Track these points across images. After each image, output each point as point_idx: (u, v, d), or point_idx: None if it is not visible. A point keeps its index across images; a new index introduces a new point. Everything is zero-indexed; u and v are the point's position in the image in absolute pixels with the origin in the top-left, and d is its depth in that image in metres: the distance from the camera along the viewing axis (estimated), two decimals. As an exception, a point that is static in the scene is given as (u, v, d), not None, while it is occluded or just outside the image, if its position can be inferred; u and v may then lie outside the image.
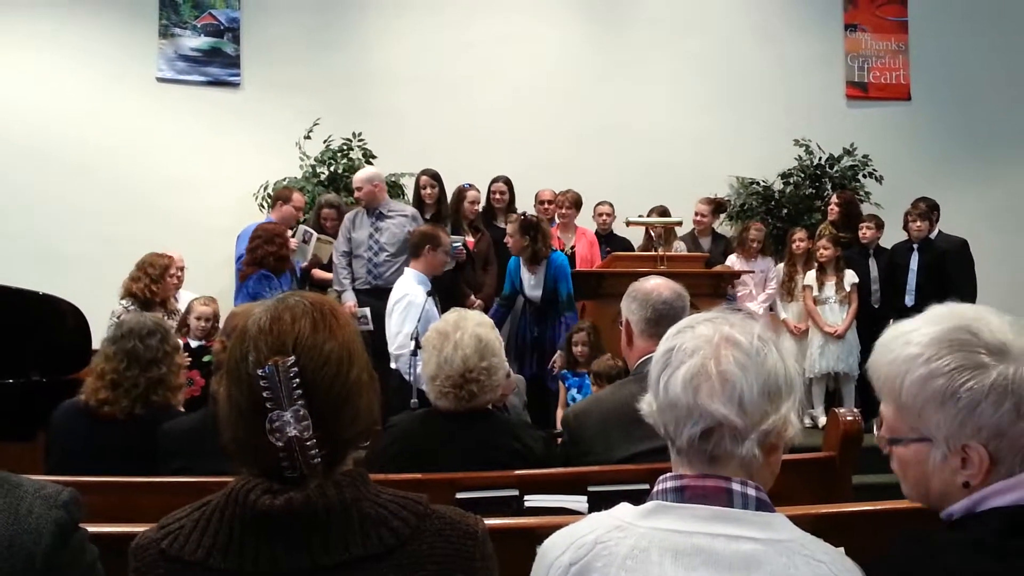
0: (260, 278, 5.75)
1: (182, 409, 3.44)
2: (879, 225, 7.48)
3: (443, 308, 4.61)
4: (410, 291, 5.30)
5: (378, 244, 6.60)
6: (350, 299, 6.44)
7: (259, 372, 1.33)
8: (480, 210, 7.27)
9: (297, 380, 1.32)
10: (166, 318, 5.73)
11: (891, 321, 1.47)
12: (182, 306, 6.30)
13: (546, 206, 7.69)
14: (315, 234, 6.83)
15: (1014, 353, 1.32)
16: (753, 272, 7.33)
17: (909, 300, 7.09)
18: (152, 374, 3.22)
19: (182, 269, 6.54)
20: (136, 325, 3.33)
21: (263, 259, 5.80)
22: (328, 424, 1.34)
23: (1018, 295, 8.42)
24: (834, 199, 7.88)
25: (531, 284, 6.30)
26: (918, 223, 7.27)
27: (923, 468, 1.38)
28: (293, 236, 6.78)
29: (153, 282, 5.74)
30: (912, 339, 1.38)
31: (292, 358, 1.33)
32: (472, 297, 6.64)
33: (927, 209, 7.33)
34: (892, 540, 1.40)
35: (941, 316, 1.39)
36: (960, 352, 1.33)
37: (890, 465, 1.46)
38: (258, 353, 1.36)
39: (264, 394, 1.32)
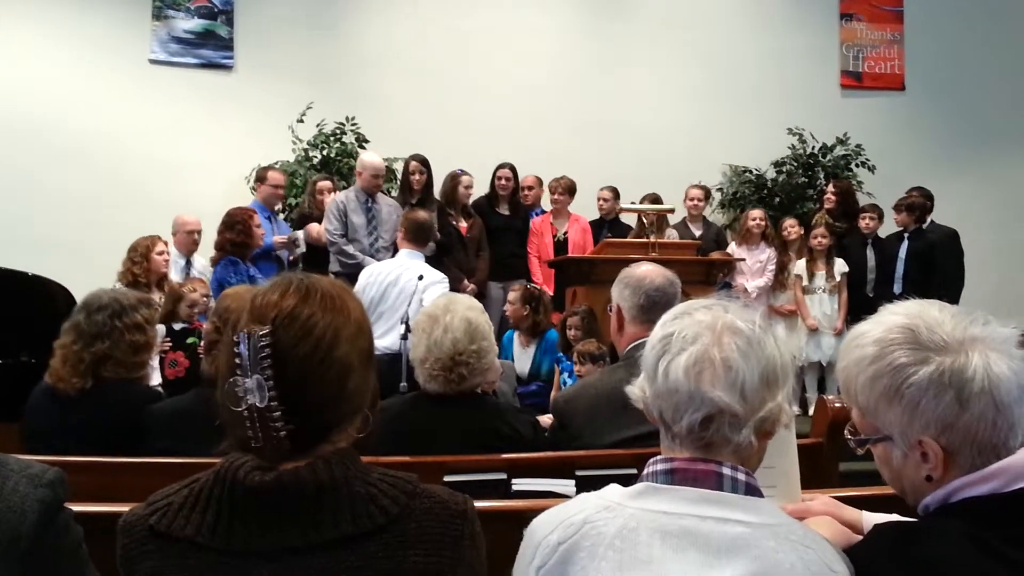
0: (226, 264, 5.80)
1: (153, 385, 3.35)
2: (880, 216, 7.52)
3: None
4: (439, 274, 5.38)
5: (377, 230, 6.60)
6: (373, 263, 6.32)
7: (235, 339, 1.34)
8: (469, 194, 7.23)
9: (268, 350, 1.32)
10: (162, 299, 5.75)
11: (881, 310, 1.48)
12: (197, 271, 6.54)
13: (525, 192, 7.73)
14: (302, 248, 6.76)
15: (952, 346, 1.33)
16: (744, 259, 7.35)
17: (897, 288, 7.12)
18: (96, 349, 3.10)
19: (199, 232, 6.71)
20: (92, 298, 3.23)
21: (223, 245, 5.87)
22: (299, 399, 1.33)
23: (1009, 286, 8.50)
24: (830, 188, 7.92)
25: (521, 358, 6.15)
26: (897, 216, 7.32)
27: (891, 466, 1.41)
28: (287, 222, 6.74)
29: (135, 264, 5.80)
30: (861, 341, 1.40)
31: (267, 328, 1.34)
32: (465, 281, 6.63)
33: (919, 199, 7.34)
34: (875, 529, 1.42)
35: (888, 315, 1.41)
36: (901, 349, 1.35)
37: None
38: (243, 324, 1.37)
39: (235, 361, 1.33)
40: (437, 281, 5.26)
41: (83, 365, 3.08)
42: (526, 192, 7.75)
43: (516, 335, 6.20)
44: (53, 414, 3.07)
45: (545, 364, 6.02)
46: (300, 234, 6.74)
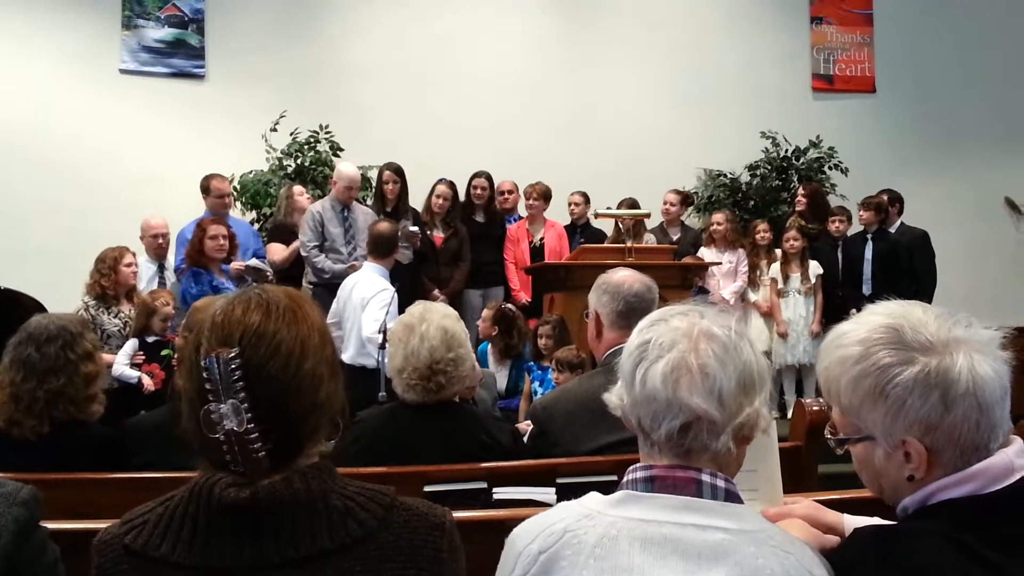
0: (189, 275, 5.80)
1: (98, 420, 3.10)
2: (849, 218, 7.57)
3: (407, 302, 4.59)
4: (387, 286, 5.35)
5: (355, 239, 6.58)
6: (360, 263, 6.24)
7: (203, 363, 1.31)
8: (446, 205, 7.15)
9: (239, 372, 1.30)
10: (132, 311, 5.70)
11: (852, 311, 1.49)
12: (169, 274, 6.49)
13: (505, 196, 7.73)
14: (270, 274, 6.42)
15: (937, 347, 1.33)
16: (720, 263, 7.37)
17: (866, 289, 7.15)
18: (51, 386, 2.87)
19: (164, 236, 6.62)
20: (36, 329, 2.97)
21: (188, 255, 5.90)
22: (275, 417, 1.32)
23: (979, 286, 8.58)
24: (801, 191, 7.98)
25: (497, 373, 6.06)
26: (863, 214, 7.36)
27: (872, 466, 1.40)
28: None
29: (103, 276, 5.72)
30: (844, 341, 1.40)
31: (235, 350, 1.32)
32: (436, 291, 6.61)
33: (886, 199, 7.40)
34: (854, 533, 1.42)
35: (871, 315, 1.41)
36: (886, 349, 1.34)
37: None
38: (208, 345, 1.34)
39: (206, 386, 1.30)
40: (373, 295, 5.32)
41: (38, 405, 2.86)
42: (506, 196, 7.74)
43: (490, 349, 6.16)
44: (7, 463, 2.66)
45: (522, 381, 5.96)
46: (264, 265, 6.36)
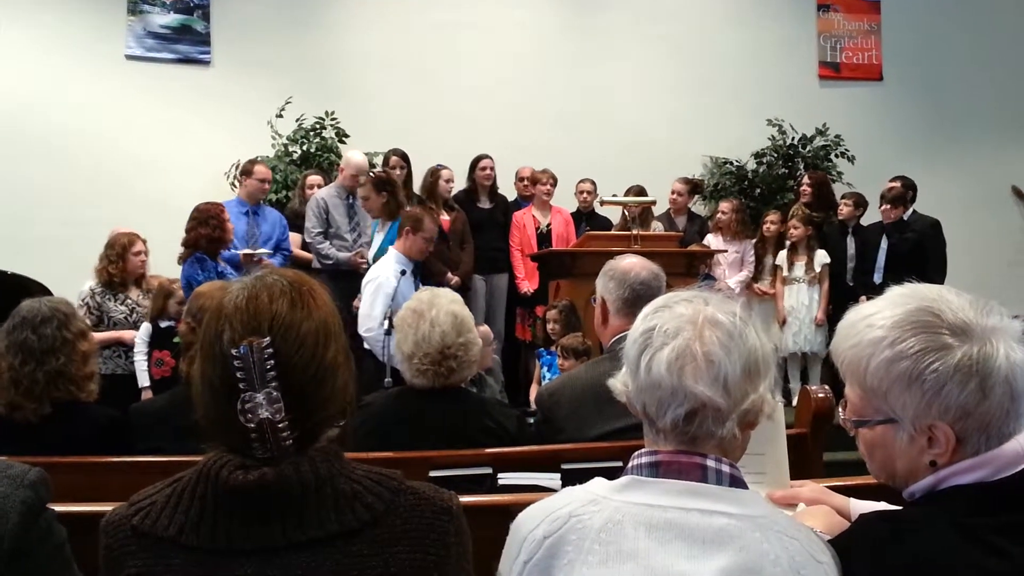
0: (193, 261, 5.54)
1: (95, 400, 3.10)
2: (857, 203, 7.46)
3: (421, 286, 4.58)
4: (381, 273, 5.26)
5: (359, 226, 6.59)
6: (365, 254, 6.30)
7: (233, 352, 1.31)
8: (452, 188, 7.17)
9: (272, 362, 1.31)
10: (141, 297, 5.68)
11: (863, 298, 1.47)
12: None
13: (524, 183, 7.73)
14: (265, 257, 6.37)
15: (976, 333, 1.31)
16: (726, 251, 7.35)
17: (878, 278, 7.07)
18: (50, 366, 2.90)
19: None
20: (29, 313, 2.99)
21: (196, 241, 5.58)
22: (302, 405, 1.33)
23: (986, 275, 8.54)
24: (806, 179, 7.93)
25: (376, 241, 6.00)
26: (886, 207, 7.26)
27: (889, 449, 1.39)
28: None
29: (112, 263, 5.62)
30: (875, 322, 1.37)
31: (267, 339, 1.32)
32: (449, 275, 6.61)
33: (902, 190, 7.32)
34: (861, 518, 1.41)
35: (902, 298, 1.39)
36: (924, 334, 1.32)
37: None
38: (233, 332, 1.34)
39: (238, 375, 1.30)
40: (364, 286, 5.31)
41: (38, 387, 2.89)
42: (526, 183, 7.75)
43: (379, 223, 6.05)
44: (10, 447, 2.61)
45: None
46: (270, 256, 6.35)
